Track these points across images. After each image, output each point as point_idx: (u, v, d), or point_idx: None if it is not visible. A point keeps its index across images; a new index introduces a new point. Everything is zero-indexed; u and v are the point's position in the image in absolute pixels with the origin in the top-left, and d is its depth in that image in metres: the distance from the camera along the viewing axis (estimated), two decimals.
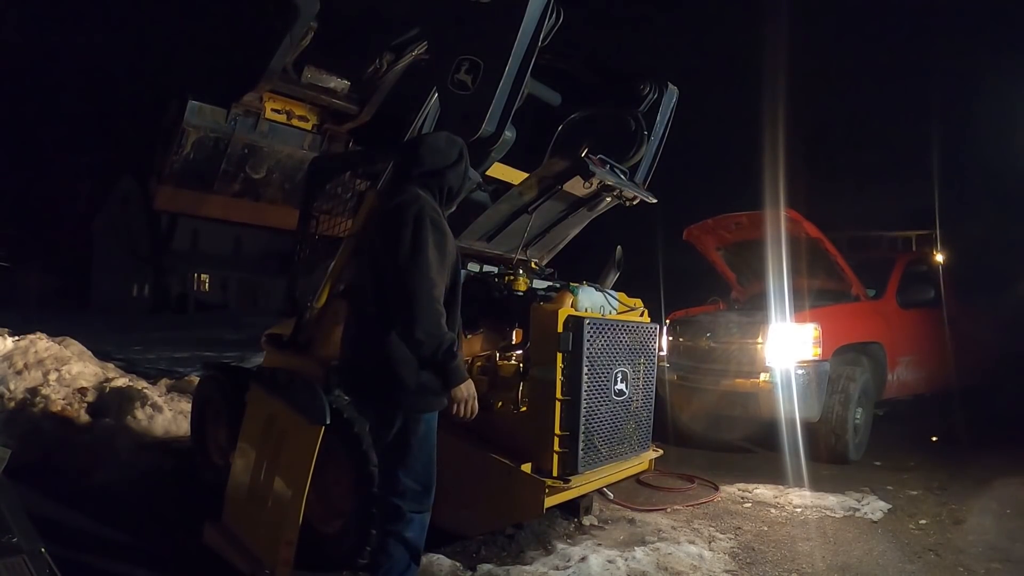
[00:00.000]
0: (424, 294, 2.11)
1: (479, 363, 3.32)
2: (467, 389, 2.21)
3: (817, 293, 5.76)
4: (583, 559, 3.04)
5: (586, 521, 3.59)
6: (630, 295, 3.52)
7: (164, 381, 6.19)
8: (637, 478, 4.12)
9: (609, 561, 3.04)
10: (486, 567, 2.96)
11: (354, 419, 2.84)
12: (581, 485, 3.07)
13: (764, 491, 4.36)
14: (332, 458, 2.87)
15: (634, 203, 3.75)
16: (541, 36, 2.66)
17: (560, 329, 2.91)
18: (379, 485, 2.34)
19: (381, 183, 3.29)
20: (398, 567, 2.25)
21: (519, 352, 3.24)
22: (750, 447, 5.75)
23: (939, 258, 6.84)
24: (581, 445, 2.92)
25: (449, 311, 2.23)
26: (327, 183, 3.82)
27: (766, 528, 3.71)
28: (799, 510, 4.04)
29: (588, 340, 2.93)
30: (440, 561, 2.95)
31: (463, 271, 2.50)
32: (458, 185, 2.42)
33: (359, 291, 2.40)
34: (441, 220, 2.26)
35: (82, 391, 5.05)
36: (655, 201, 3.80)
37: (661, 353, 4.82)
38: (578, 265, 3.85)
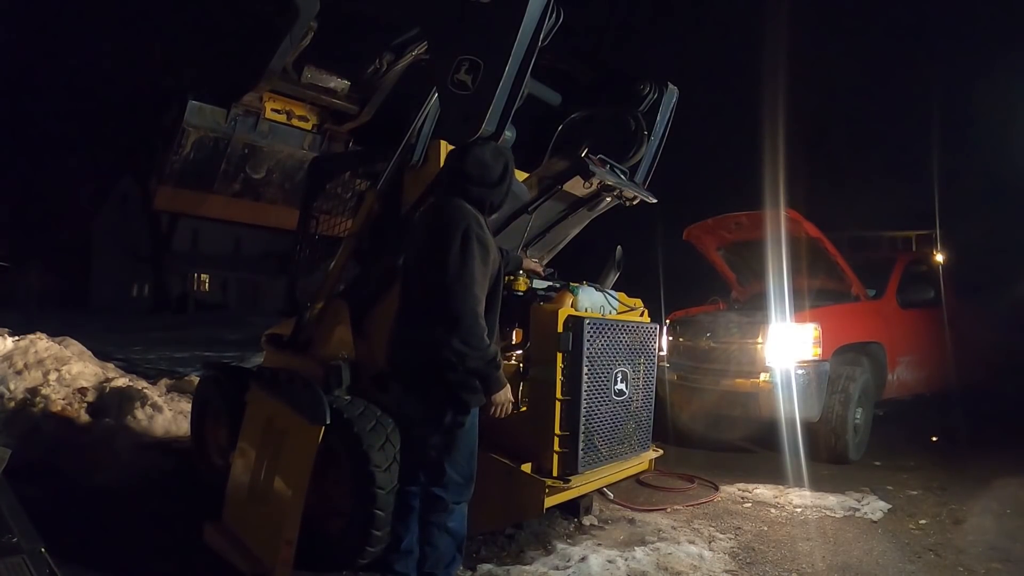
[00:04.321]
0: (470, 313, 2.24)
1: None
2: (505, 395, 2.35)
3: (817, 293, 5.76)
4: (583, 559, 3.05)
5: (586, 521, 3.59)
6: (630, 295, 3.52)
7: (164, 381, 6.19)
8: (637, 478, 4.13)
9: (609, 561, 3.04)
10: (486, 567, 2.96)
11: (354, 419, 2.84)
12: (581, 485, 3.08)
13: (764, 491, 4.36)
14: (332, 458, 2.87)
15: (634, 203, 3.75)
16: (541, 36, 2.66)
17: (560, 329, 2.91)
18: (424, 477, 2.44)
19: (381, 183, 3.29)
20: (445, 557, 2.38)
21: (519, 352, 3.24)
22: (750, 447, 5.75)
23: (939, 258, 6.84)
24: (581, 445, 2.93)
25: (489, 315, 2.37)
26: (327, 183, 3.82)
27: (766, 528, 3.71)
28: (799, 510, 4.04)
29: (588, 340, 2.93)
30: None
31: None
32: (500, 201, 2.52)
33: (405, 293, 2.50)
34: (485, 234, 2.36)
35: (82, 391, 5.05)
36: (655, 201, 3.80)
37: (661, 353, 4.82)
38: (578, 265, 3.85)
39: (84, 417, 4.78)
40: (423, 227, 2.46)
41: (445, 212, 2.38)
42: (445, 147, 3.24)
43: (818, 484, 4.53)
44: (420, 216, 2.65)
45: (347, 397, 2.94)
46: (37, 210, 36.94)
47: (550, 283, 3.40)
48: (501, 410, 2.36)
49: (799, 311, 5.21)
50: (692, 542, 3.37)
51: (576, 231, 4.02)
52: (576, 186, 3.37)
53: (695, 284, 7.35)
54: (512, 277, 3.35)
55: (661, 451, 3.75)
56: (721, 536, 3.53)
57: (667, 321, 6.05)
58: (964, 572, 3.17)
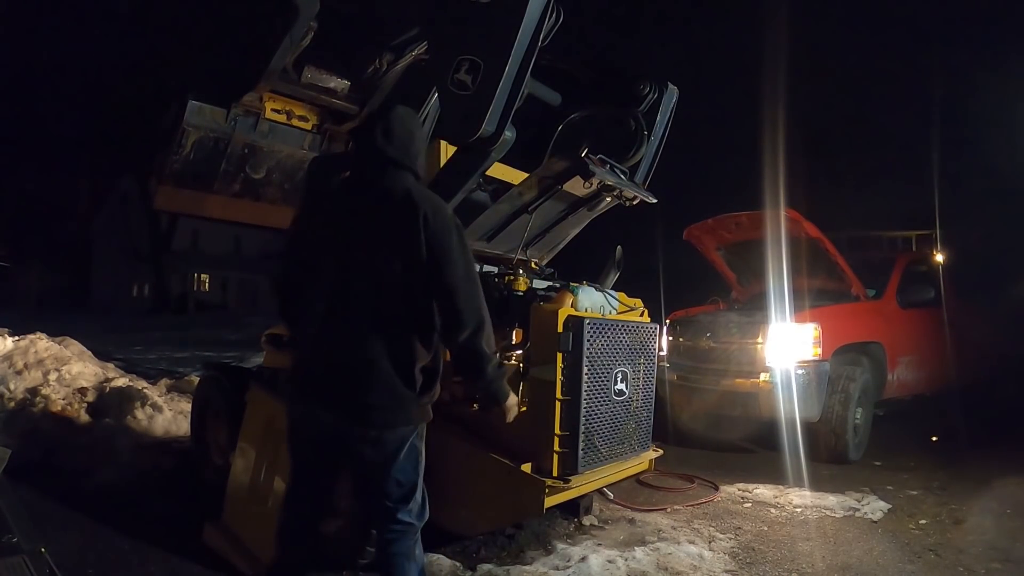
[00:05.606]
0: (487, 313, 2.11)
1: None
2: (515, 399, 2.27)
3: (817, 293, 5.76)
4: (583, 559, 3.04)
5: (586, 521, 3.59)
6: (630, 295, 3.52)
7: (164, 381, 6.19)
8: (637, 478, 4.13)
9: (609, 561, 3.04)
10: (486, 567, 2.96)
11: None
12: (581, 485, 3.07)
13: (764, 491, 4.36)
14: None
15: (634, 203, 3.74)
16: (541, 36, 2.66)
17: (560, 329, 2.91)
18: (392, 505, 2.10)
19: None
20: None
21: (519, 352, 3.24)
22: (750, 447, 5.75)
23: (939, 258, 6.85)
24: (581, 445, 2.92)
25: None
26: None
27: (766, 528, 3.71)
28: (799, 510, 4.04)
29: (588, 340, 2.93)
30: (440, 561, 2.95)
31: None
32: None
33: (355, 295, 2.04)
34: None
35: (82, 391, 5.05)
36: (655, 201, 3.79)
37: (661, 353, 4.82)
38: (578, 265, 3.85)
39: (84, 417, 4.78)
40: (384, 216, 2.04)
41: (398, 188, 2.04)
42: (445, 147, 3.24)
43: (818, 484, 4.53)
44: (372, 202, 2.11)
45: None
46: (37, 210, 36.99)
47: (550, 283, 3.40)
48: (511, 415, 2.27)
49: (799, 311, 5.21)
50: (692, 542, 3.37)
51: (576, 231, 4.02)
52: (576, 186, 3.37)
53: (695, 284, 7.35)
54: (512, 277, 3.35)
55: (661, 451, 3.75)
56: (721, 536, 3.53)
57: (667, 321, 6.05)
58: (964, 572, 3.17)
